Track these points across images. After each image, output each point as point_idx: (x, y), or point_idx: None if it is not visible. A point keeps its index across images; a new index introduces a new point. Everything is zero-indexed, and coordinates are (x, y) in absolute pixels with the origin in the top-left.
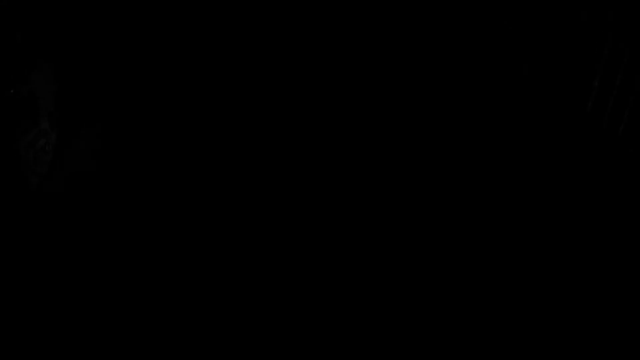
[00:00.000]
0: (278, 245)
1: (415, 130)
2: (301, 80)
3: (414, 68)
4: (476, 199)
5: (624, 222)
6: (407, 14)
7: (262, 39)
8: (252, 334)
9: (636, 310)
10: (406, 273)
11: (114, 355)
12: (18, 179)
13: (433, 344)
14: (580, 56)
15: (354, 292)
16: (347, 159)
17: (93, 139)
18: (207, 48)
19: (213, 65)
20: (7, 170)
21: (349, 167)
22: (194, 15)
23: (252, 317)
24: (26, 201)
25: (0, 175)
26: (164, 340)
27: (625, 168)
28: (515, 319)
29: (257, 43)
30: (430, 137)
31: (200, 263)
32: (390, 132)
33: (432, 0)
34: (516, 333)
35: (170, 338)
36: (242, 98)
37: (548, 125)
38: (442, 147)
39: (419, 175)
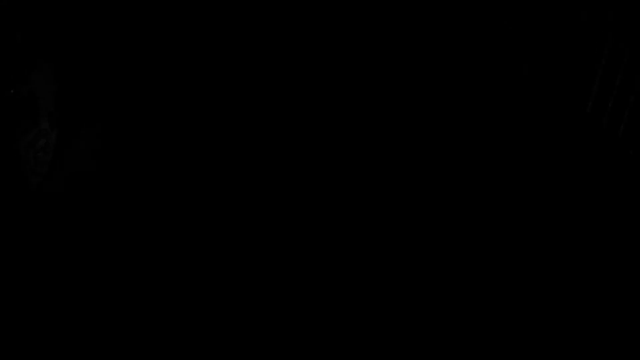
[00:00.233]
0: (278, 245)
1: (416, 130)
2: (301, 81)
3: (414, 68)
4: (476, 199)
5: (623, 222)
6: (408, 14)
7: (262, 39)
8: (252, 334)
9: (636, 310)
10: (406, 273)
11: (114, 355)
12: (18, 179)
13: (433, 344)
14: (580, 56)
15: (354, 292)
16: (347, 159)
17: (93, 139)
18: (207, 48)
19: (213, 65)
20: (7, 170)
21: (349, 167)
22: (194, 15)
23: (252, 317)
24: (26, 201)
25: (0, 175)
26: (164, 340)
27: (625, 168)
28: (515, 319)
29: (257, 43)
30: (430, 136)
31: (200, 263)
32: (391, 131)
33: (433, 0)
34: (516, 333)
35: (170, 338)
36: (242, 98)
37: (548, 125)
38: (442, 147)
39: (419, 175)
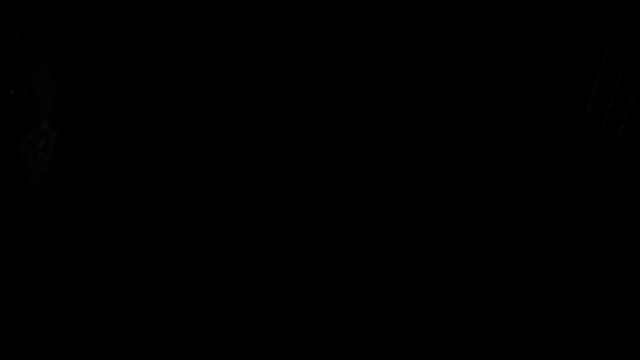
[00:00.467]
0: (278, 245)
1: (416, 130)
2: (301, 81)
3: (415, 68)
4: (476, 199)
5: (623, 223)
6: (408, 14)
7: (262, 39)
8: (252, 334)
9: (636, 310)
10: (406, 273)
11: (114, 355)
12: (18, 179)
13: (433, 344)
14: (580, 56)
15: (354, 292)
16: (347, 159)
17: (93, 139)
18: (207, 48)
19: (213, 65)
20: (7, 170)
21: (349, 167)
22: (194, 15)
23: (252, 317)
24: (26, 201)
25: (0, 175)
26: (164, 340)
27: (624, 169)
28: (515, 319)
29: (257, 43)
30: (430, 136)
31: (200, 263)
32: (391, 131)
33: (433, 0)
34: (516, 333)
35: (170, 338)
36: (242, 98)
37: (548, 126)
38: (442, 147)
39: (419, 175)
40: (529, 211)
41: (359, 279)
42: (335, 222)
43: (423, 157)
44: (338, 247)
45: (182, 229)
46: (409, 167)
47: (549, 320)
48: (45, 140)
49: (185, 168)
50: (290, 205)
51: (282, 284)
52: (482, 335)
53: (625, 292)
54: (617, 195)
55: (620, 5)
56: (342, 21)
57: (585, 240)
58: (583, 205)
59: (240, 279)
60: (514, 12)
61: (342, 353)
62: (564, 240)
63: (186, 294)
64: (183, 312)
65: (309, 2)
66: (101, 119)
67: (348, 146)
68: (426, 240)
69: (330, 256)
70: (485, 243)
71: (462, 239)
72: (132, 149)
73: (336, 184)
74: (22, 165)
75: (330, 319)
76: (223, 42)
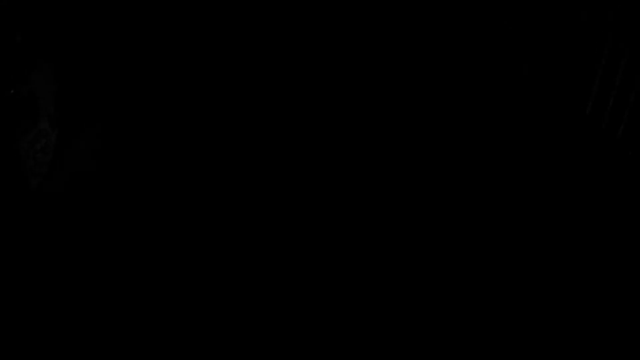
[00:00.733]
0: (278, 245)
1: (416, 130)
2: (301, 81)
3: (414, 68)
4: (476, 199)
5: (623, 223)
6: (407, 14)
7: (262, 39)
8: (252, 334)
9: (636, 310)
10: (406, 273)
11: (114, 355)
12: (18, 179)
13: (433, 344)
14: (580, 56)
15: (354, 292)
16: (347, 159)
17: (93, 139)
18: (207, 48)
19: (213, 65)
20: (7, 170)
21: (349, 167)
22: (194, 15)
23: (252, 317)
24: (26, 201)
25: (0, 175)
26: (164, 340)
27: (624, 169)
28: (515, 319)
29: (257, 43)
30: (430, 136)
31: (200, 263)
32: (390, 132)
33: (433, 0)
34: (516, 333)
35: (170, 338)
36: (241, 98)
37: (547, 126)
38: (442, 147)
39: (419, 175)
40: (529, 211)
41: (359, 279)
42: (335, 221)
43: (423, 156)
44: (338, 247)
45: (183, 228)
46: (409, 167)
47: (549, 320)
48: (45, 140)
49: (185, 168)
50: (290, 205)
51: (282, 284)
52: (482, 335)
53: (625, 292)
54: (617, 195)
55: (620, 5)
56: (342, 21)
57: (585, 240)
58: (583, 205)
59: (240, 278)
60: (514, 12)
61: (342, 353)
62: (564, 240)
63: (186, 293)
64: (183, 312)
65: (309, 2)
66: (101, 119)
67: (348, 146)
68: (426, 240)
69: (330, 256)
70: (485, 243)
71: (462, 239)
72: (132, 149)
73: (336, 184)
74: (22, 165)
75: (330, 319)
76: (223, 42)
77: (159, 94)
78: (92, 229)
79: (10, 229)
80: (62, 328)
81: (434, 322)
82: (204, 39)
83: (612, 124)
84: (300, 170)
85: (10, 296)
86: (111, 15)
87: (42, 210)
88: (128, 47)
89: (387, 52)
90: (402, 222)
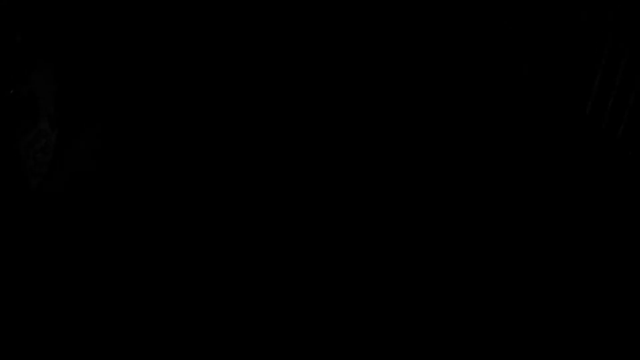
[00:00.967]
0: (278, 245)
1: (415, 130)
2: (301, 81)
3: (414, 68)
4: (476, 200)
5: (623, 223)
6: (407, 14)
7: (261, 39)
8: (252, 334)
9: (636, 310)
10: (406, 273)
11: (114, 355)
12: (18, 179)
13: (433, 344)
14: (580, 56)
15: (354, 292)
16: (347, 159)
17: (93, 139)
18: (207, 48)
19: (213, 65)
20: (7, 170)
21: (349, 167)
22: (194, 15)
23: (252, 317)
24: (26, 201)
25: (0, 175)
26: (164, 340)
27: (624, 169)
28: (515, 319)
29: (257, 43)
30: (430, 137)
31: (200, 263)
32: (390, 132)
33: (433, 0)
34: (516, 333)
35: (170, 338)
36: (241, 98)
37: (547, 126)
38: (441, 147)
39: (419, 175)
40: (529, 211)
41: (359, 279)
42: (335, 221)
43: (423, 156)
44: (338, 247)
45: (183, 228)
46: (409, 167)
47: (549, 320)
48: (45, 140)
49: (185, 168)
50: (290, 204)
51: (282, 284)
52: (482, 335)
53: (626, 292)
54: (617, 195)
55: (620, 5)
56: (342, 21)
57: (585, 240)
58: (583, 205)
59: (240, 278)
60: (514, 12)
61: (342, 353)
62: (563, 240)
63: (186, 293)
64: (183, 312)
65: (309, 2)
66: (101, 119)
67: (348, 146)
68: (426, 240)
69: (330, 255)
70: (485, 242)
71: (462, 239)
72: (132, 149)
73: (336, 184)
74: (22, 165)
75: (330, 318)
76: (223, 42)
77: (158, 94)
78: (92, 229)
79: (10, 229)
80: (62, 328)
81: (434, 322)
82: (204, 39)
83: (612, 124)
84: (301, 170)
85: (11, 296)
86: (111, 15)
87: (42, 210)
88: (128, 47)
89: (387, 52)
90: (402, 222)
